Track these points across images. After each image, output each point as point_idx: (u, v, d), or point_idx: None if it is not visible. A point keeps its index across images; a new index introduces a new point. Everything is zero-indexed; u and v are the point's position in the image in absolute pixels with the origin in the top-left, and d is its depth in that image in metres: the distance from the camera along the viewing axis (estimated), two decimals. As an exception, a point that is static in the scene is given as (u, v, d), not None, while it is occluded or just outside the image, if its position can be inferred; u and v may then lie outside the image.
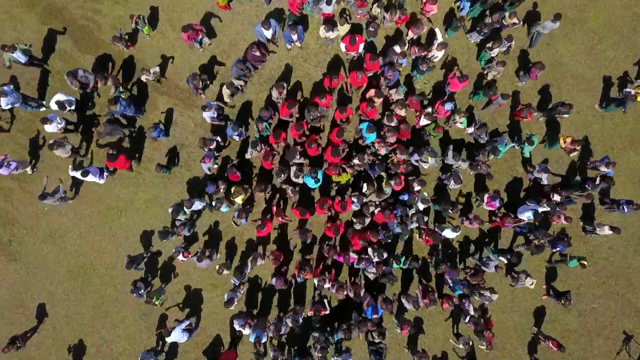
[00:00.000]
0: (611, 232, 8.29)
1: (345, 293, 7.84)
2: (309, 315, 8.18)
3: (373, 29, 8.08)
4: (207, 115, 8.29)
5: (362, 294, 8.03)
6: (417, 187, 8.05)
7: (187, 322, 8.15)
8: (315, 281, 7.91)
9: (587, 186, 8.48)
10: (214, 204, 8.16)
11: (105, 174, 8.66)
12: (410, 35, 8.67)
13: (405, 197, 8.21)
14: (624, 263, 9.20)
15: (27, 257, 9.28)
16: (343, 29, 8.35)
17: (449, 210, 8.12)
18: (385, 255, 8.03)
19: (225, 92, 8.39)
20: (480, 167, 8.11)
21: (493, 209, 8.47)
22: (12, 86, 8.41)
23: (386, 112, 8.33)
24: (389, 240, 8.53)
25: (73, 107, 8.52)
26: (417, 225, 8.09)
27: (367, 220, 8.17)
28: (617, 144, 9.27)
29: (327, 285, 7.88)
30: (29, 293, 9.25)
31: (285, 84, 8.24)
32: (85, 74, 8.31)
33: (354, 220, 8.41)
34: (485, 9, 9.01)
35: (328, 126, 9.18)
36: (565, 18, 9.28)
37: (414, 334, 9.04)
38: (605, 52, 9.41)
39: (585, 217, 9.15)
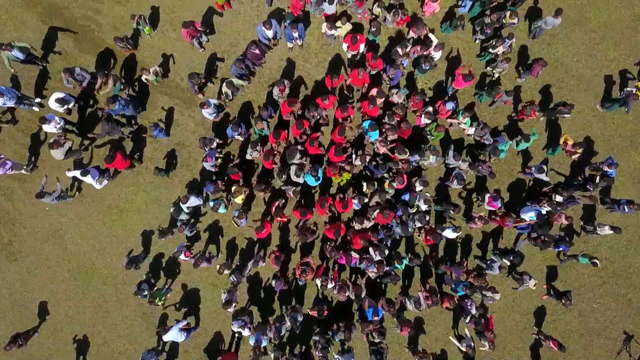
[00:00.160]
0: (612, 232, 8.28)
1: (347, 294, 7.83)
2: (311, 315, 8.17)
3: (375, 28, 8.08)
4: (206, 112, 8.29)
5: (363, 295, 8.02)
6: (419, 187, 8.04)
7: (184, 322, 8.15)
8: (319, 282, 7.90)
9: (588, 186, 8.47)
10: (211, 204, 8.16)
11: (105, 181, 8.65)
12: (411, 35, 8.68)
13: (406, 197, 8.20)
14: (624, 263, 9.20)
15: (27, 257, 9.28)
16: (344, 28, 8.36)
17: (451, 211, 8.12)
18: (386, 252, 8.04)
19: (225, 90, 8.38)
20: (482, 168, 8.11)
21: (494, 209, 8.46)
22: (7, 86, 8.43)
23: (387, 112, 8.32)
24: (390, 240, 8.52)
25: (71, 106, 8.49)
26: (420, 224, 8.07)
27: (368, 223, 8.15)
28: (618, 144, 9.26)
29: (330, 286, 7.88)
30: (29, 293, 9.26)
31: (286, 81, 8.23)
32: (82, 72, 8.29)
33: (354, 219, 8.41)
34: (485, 9, 8.98)
35: (329, 126, 9.18)
36: (566, 18, 9.26)
37: (415, 334, 9.04)
38: (606, 52, 9.40)
39: (585, 217, 9.15)
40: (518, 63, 9.25)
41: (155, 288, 8.69)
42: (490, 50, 8.58)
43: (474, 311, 8.15)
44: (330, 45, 9.32)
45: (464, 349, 8.26)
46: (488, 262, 8.44)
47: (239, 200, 8.18)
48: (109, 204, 9.27)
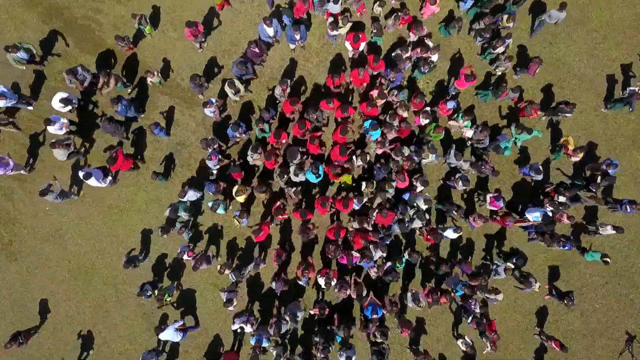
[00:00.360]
0: (614, 232, 8.24)
1: (347, 292, 7.81)
2: (313, 314, 8.13)
3: (377, 30, 8.10)
4: (208, 111, 8.28)
5: (364, 294, 7.99)
6: (420, 187, 8.02)
7: (180, 322, 8.12)
8: (322, 281, 7.87)
9: (590, 187, 8.44)
10: (210, 204, 8.14)
11: (109, 179, 8.63)
12: (412, 37, 8.69)
13: (407, 196, 8.17)
14: (626, 263, 9.17)
15: (28, 257, 9.25)
16: (346, 27, 8.36)
17: (454, 212, 8.08)
18: (386, 250, 8.03)
19: (228, 90, 8.36)
20: (485, 168, 8.08)
21: (497, 209, 8.43)
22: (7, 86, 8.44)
23: (389, 111, 8.31)
24: (390, 239, 8.49)
25: (75, 105, 8.48)
26: (420, 224, 8.05)
27: (367, 224, 8.13)
28: (620, 143, 9.23)
29: (333, 283, 7.84)
30: (29, 293, 9.23)
31: (289, 81, 8.22)
32: (83, 72, 8.28)
33: (352, 218, 8.38)
34: (482, 12, 8.95)
35: (329, 126, 9.17)
36: (568, 17, 9.22)
37: (416, 335, 9.00)
38: (608, 51, 9.38)
39: (588, 217, 9.12)
40: (517, 62, 9.22)
41: (161, 286, 8.66)
42: (492, 50, 8.56)
43: (477, 310, 8.10)
44: (332, 46, 9.30)
45: (464, 349, 8.21)
46: (493, 266, 8.40)
47: (241, 199, 8.16)
48: (109, 203, 9.24)
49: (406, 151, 8.10)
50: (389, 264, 8.18)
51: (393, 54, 8.45)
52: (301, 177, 8.10)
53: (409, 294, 8.11)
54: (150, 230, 9.20)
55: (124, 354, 9.17)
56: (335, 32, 8.25)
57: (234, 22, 9.43)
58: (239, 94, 8.61)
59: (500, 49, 8.47)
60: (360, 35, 8.01)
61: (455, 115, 8.58)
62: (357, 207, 8.24)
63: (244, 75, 8.58)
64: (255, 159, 8.26)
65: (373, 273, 8.28)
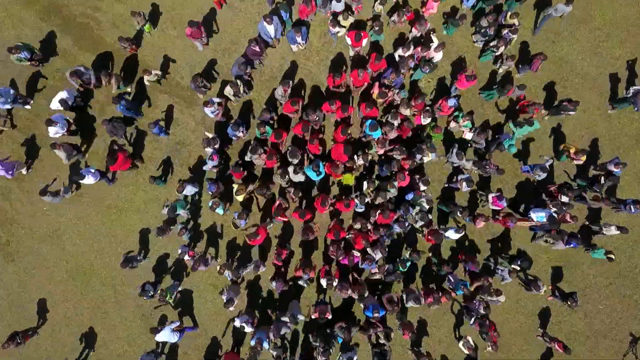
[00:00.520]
0: (618, 232, 8.17)
1: (348, 293, 7.72)
2: (314, 317, 8.04)
3: (378, 27, 8.03)
4: (209, 110, 8.20)
5: (366, 295, 7.90)
6: (422, 187, 7.94)
7: (176, 323, 8.03)
8: (324, 282, 7.78)
9: (594, 187, 8.35)
10: (210, 203, 8.05)
11: (105, 179, 8.55)
12: (414, 32, 8.60)
13: (410, 196, 8.09)
14: (630, 264, 9.07)
15: (25, 258, 9.16)
16: (347, 22, 8.28)
17: (459, 214, 8.01)
18: (386, 251, 7.97)
19: (228, 91, 8.29)
20: (489, 167, 8.01)
21: (500, 209, 8.34)
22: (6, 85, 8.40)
23: (391, 110, 8.24)
24: (392, 239, 8.40)
25: (74, 105, 8.41)
26: (422, 224, 7.97)
27: (368, 225, 8.05)
28: (623, 143, 9.14)
29: (335, 284, 7.77)
30: (27, 294, 9.14)
31: (290, 82, 8.15)
32: (87, 72, 8.24)
33: (354, 220, 8.31)
34: (484, 9, 8.88)
35: (331, 125, 9.08)
36: (571, 16, 9.17)
37: (418, 336, 8.91)
38: (611, 50, 9.29)
39: (591, 217, 9.03)
40: (519, 59, 9.14)
41: (160, 288, 8.56)
42: (494, 50, 8.49)
43: (482, 311, 8.00)
44: (333, 44, 9.22)
45: (466, 351, 8.11)
46: (498, 271, 8.32)
47: (240, 198, 8.08)
48: (107, 203, 9.15)
49: (405, 154, 8.03)
50: (390, 265, 8.09)
51: (397, 58, 8.37)
52: (301, 177, 8.02)
53: (409, 294, 8.02)
54: (149, 230, 9.11)
55: (122, 356, 9.07)
56: (336, 29, 8.17)
57: (234, 21, 9.35)
58: (240, 94, 8.53)
59: (502, 49, 8.40)
60: (362, 34, 7.95)
61: (455, 114, 8.49)
62: (361, 209, 8.14)
63: (243, 75, 8.50)
64: (254, 159, 8.20)
65: (378, 275, 8.18)
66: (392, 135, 8.04)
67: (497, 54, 8.53)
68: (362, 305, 7.95)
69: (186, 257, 8.25)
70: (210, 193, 8.20)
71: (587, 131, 9.19)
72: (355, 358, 7.78)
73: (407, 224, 7.89)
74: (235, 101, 8.96)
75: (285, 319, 7.80)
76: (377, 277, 8.24)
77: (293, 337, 8.89)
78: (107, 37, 9.30)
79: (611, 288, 9.07)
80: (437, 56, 8.34)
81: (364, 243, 7.77)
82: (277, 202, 8.22)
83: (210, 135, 8.42)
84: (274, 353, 7.96)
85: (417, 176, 8.20)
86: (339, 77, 8.20)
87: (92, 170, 8.20)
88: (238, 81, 8.32)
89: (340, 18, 8.26)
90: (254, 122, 9.06)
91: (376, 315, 7.54)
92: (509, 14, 8.38)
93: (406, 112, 8.17)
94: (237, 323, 7.94)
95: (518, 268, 8.25)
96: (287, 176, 7.88)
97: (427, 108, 8.27)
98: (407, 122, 7.90)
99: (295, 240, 9.07)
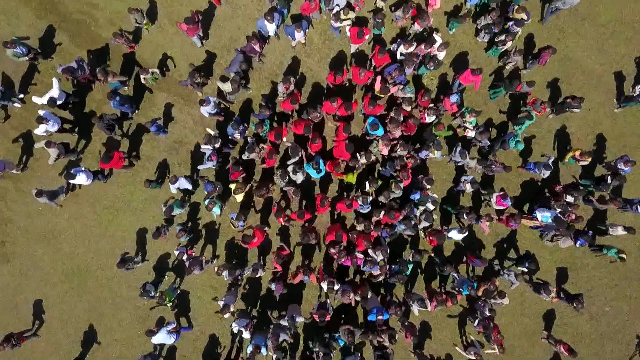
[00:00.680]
0: (625, 232, 8.03)
1: (351, 297, 7.56)
2: (314, 319, 7.88)
3: (380, 20, 7.89)
4: (205, 110, 8.04)
5: (369, 296, 7.74)
6: (427, 187, 7.81)
7: (172, 325, 7.86)
8: (325, 285, 7.62)
9: (600, 187, 8.20)
10: (206, 202, 7.90)
11: (97, 179, 8.41)
12: (417, 27, 8.47)
13: (417, 196, 7.93)
14: (637, 265, 8.92)
15: (20, 258, 9.00)
16: (349, 16, 8.15)
17: (465, 216, 7.86)
18: (388, 251, 7.86)
19: (227, 87, 8.11)
20: (495, 166, 7.87)
21: (504, 208, 8.19)
22: None
23: (394, 107, 8.10)
24: (393, 238, 8.24)
25: (63, 101, 8.26)
26: (427, 224, 7.81)
27: (370, 225, 7.91)
28: (629, 142, 9.00)
29: (336, 287, 7.61)
30: (22, 295, 8.98)
31: (292, 78, 7.99)
32: (79, 67, 8.08)
33: (357, 221, 8.15)
34: (487, 5, 8.73)
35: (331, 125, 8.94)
36: (575, 13, 9.05)
37: (421, 339, 8.75)
38: (617, 47, 9.15)
39: (597, 218, 8.87)
40: (525, 55, 8.98)
41: (162, 288, 8.41)
42: (500, 45, 8.34)
43: (487, 313, 7.85)
44: (334, 39, 9.07)
45: (473, 357, 7.94)
46: (505, 275, 8.17)
47: (239, 197, 7.93)
48: (104, 203, 9.00)
49: (410, 148, 7.88)
50: (395, 266, 7.93)
51: (399, 55, 8.22)
52: (301, 176, 7.87)
53: (413, 297, 7.87)
54: (147, 230, 8.95)
55: (119, 358, 8.91)
56: (338, 24, 8.03)
57: (234, 17, 9.19)
58: (237, 92, 8.37)
59: (509, 44, 8.26)
60: (364, 30, 7.81)
61: (460, 111, 8.36)
62: (365, 209, 7.99)
63: (241, 72, 8.34)
64: (252, 157, 8.07)
65: (381, 277, 8.02)
66: (397, 133, 7.89)
67: (504, 49, 8.36)
68: (365, 308, 7.78)
69: (185, 257, 8.08)
70: (207, 193, 8.04)
71: (591, 130, 9.05)
72: None
73: (413, 223, 7.73)
74: (230, 101, 8.78)
75: (284, 322, 7.65)
76: (380, 279, 8.07)
77: (293, 339, 8.69)
78: (104, 35, 9.14)
79: (617, 289, 8.92)
80: (440, 55, 8.22)
81: (366, 244, 7.61)
82: (277, 205, 8.06)
83: (213, 133, 8.24)
84: (274, 356, 7.81)
85: (421, 176, 8.05)
86: (341, 75, 8.05)
87: (83, 169, 8.03)
88: (237, 77, 8.16)
89: (343, 15, 8.10)
90: (253, 119, 8.91)
91: (380, 318, 7.38)
92: (516, 7, 8.23)
93: (408, 108, 8.01)
94: (235, 328, 7.78)
95: (527, 270, 8.09)
96: (287, 177, 7.73)
97: (431, 106, 8.14)
98: (413, 119, 7.74)
99: (295, 240, 8.91)
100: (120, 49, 9.06)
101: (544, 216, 7.91)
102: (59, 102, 8.11)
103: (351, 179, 8.25)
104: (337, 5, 8.25)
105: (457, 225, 8.65)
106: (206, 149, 8.06)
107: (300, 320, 7.75)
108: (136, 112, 9.01)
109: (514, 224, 8.14)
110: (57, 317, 8.97)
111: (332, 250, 7.68)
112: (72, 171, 7.84)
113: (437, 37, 8.25)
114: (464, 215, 7.86)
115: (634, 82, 8.98)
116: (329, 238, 8.04)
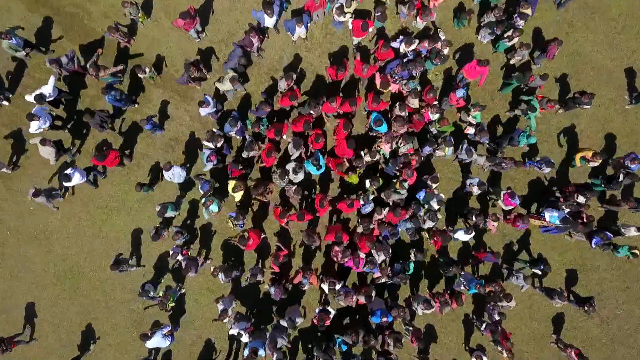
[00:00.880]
0: (638, 233, 7.74)
1: (354, 299, 7.28)
2: (314, 323, 7.60)
3: (380, 13, 7.69)
4: (204, 111, 7.75)
5: (373, 295, 7.46)
6: (433, 185, 7.55)
7: (167, 328, 7.60)
8: (326, 286, 7.34)
9: (611, 185, 7.92)
10: (203, 200, 7.65)
11: (91, 177, 8.17)
12: (420, 22, 8.24)
13: (422, 195, 7.65)
14: (649, 267, 8.64)
15: (11, 260, 8.74)
16: (351, 9, 7.93)
17: (474, 217, 7.60)
18: (389, 253, 7.63)
19: (227, 87, 7.82)
20: (505, 164, 7.61)
21: (512, 207, 7.91)
22: None
23: (398, 102, 7.83)
24: (395, 238, 7.97)
25: (54, 98, 7.99)
26: (431, 224, 7.54)
27: (371, 225, 7.65)
28: (641, 139, 8.73)
29: (338, 287, 7.35)
30: (13, 298, 8.72)
31: (294, 75, 7.73)
32: (70, 61, 7.82)
33: (358, 222, 7.88)
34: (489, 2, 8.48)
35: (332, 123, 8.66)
36: (585, 6, 8.79)
37: (426, 343, 8.46)
38: (628, 42, 8.87)
39: (608, 218, 8.58)
40: (532, 49, 8.68)
41: (164, 290, 8.13)
42: (507, 41, 8.08)
43: (496, 317, 7.56)
44: (335, 32, 8.79)
45: None
46: (513, 278, 7.91)
47: (238, 196, 7.68)
48: (98, 203, 8.72)
49: (416, 142, 7.62)
50: (398, 265, 7.67)
51: (401, 51, 7.99)
52: (300, 176, 7.63)
53: (418, 299, 7.59)
54: (141, 231, 8.68)
55: (113, 364, 8.64)
56: (342, 18, 7.78)
57: (232, 11, 8.93)
58: (237, 89, 8.10)
59: (516, 40, 8.00)
60: (368, 22, 7.57)
61: (466, 106, 8.10)
62: (367, 209, 7.72)
63: (239, 68, 8.06)
64: (251, 155, 7.83)
65: (381, 279, 7.74)
66: (402, 130, 7.61)
67: (510, 44, 8.09)
68: (370, 309, 7.50)
69: (180, 257, 7.83)
70: (202, 192, 7.76)
71: (602, 127, 8.76)
72: None
73: (419, 222, 7.48)
74: (231, 98, 8.53)
75: (284, 323, 7.40)
76: (382, 280, 7.79)
77: (293, 341, 8.43)
78: (98, 29, 8.88)
79: (628, 292, 8.63)
80: (444, 52, 7.96)
81: (369, 245, 7.36)
82: (279, 206, 7.78)
83: (216, 130, 7.95)
84: (274, 357, 7.53)
85: (426, 176, 7.79)
86: (343, 71, 7.77)
87: (77, 168, 7.79)
88: (236, 75, 7.88)
89: (345, 9, 7.86)
90: (251, 116, 8.63)
91: (384, 320, 7.10)
92: (522, 3, 7.97)
93: (415, 100, 7.74)
94: (235, 331, 7.49)
95: (540, 272, 7.80)
96: (286, 177, 7.45)
97: (435, 103, 7.89)
98: (418, 116, 7.47)
99: (294, 240, 8.65)
100: (115, 43, 8.77)
101: (552, 217, 7.66)
102: (49, 99, 7.84)
103: (353, 179, 7.96)
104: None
105: (464, 226, 8.36)
106: (208, 146, 7.81)
107: (299, 321, 7.49)
108: (135, 106, 8.73)
109: (521, 225, 7.88)
110: (49, 321, 8.70)
111: (336, 249, 7.41)
112: (67, 172, 7.58)
113: (441, 35, 8.07)
114: (473, 216, 7.59)
115: (646, 77, 8.72)
116: (328, 238, 7.78)
